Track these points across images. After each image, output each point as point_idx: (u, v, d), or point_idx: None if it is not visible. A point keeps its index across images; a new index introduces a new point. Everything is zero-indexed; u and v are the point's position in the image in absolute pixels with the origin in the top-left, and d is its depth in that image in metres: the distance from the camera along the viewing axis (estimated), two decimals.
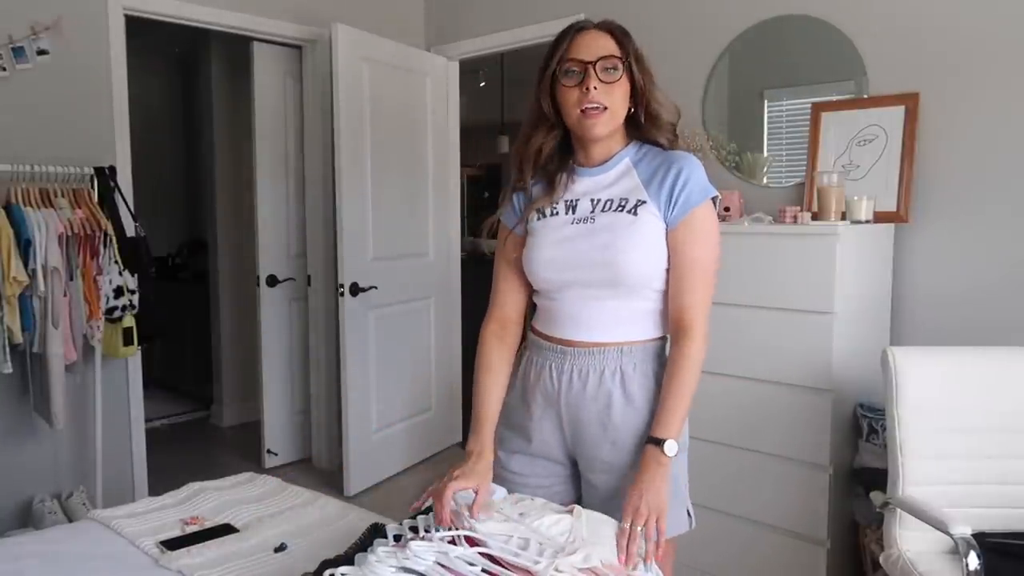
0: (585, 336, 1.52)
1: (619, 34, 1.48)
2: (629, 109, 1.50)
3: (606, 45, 1.45)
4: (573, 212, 1.52)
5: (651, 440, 1.43)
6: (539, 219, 1.56)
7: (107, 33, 3.07)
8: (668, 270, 1.49)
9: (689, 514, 1.56)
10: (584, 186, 1.54)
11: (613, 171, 1.53)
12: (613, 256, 1.45)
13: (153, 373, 3.81)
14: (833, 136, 2.72)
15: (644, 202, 1.46)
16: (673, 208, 1.45)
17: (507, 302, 1.67)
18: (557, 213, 1.54)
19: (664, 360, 1.52)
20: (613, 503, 1.47)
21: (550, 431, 1.58)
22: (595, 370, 1.51)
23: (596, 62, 1.44)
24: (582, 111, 1.45)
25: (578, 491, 1.63)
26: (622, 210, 1.48)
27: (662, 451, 1.41)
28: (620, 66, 1.45)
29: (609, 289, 1.48)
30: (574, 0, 3.47)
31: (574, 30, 1.48)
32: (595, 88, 1.43)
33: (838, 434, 2.39)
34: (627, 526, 1.34)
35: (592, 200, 1.52)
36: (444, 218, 4.20)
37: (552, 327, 1.57)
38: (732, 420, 2.54)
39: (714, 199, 1.49)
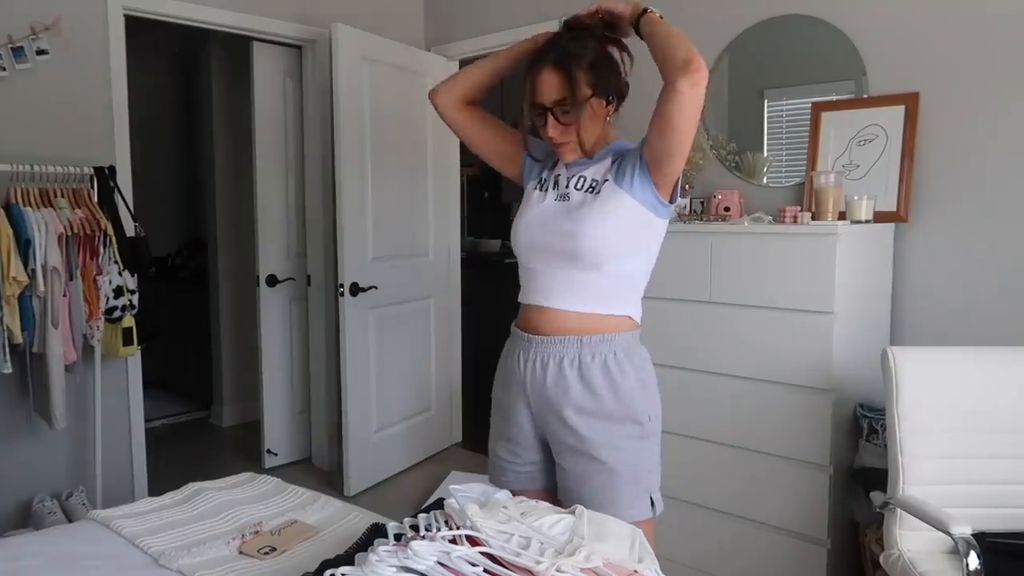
0: (549, 303, 1.63)
1: (568, 70, 1.53)
2: (607, 115, 1.61)
3: (559, 86, 1.54)
4: (556, 188, 1.68)
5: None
6: (535, 189, 1.73)
7: (107, 33, 3.07)
8: (635, 241, 1.61)
9: (653, 502, 1.64)
10: (574, 170, 1.68)
11: (598, 164, 1.65)
12: (574, 228, 1.58)
13: (153, 373, 3.80)
14: (833, 136, 2.72)
15: (607, 180, 1.60)
16: (633, 166, 1.57)
17: (470, 104, 1.84)
18: (546, 189, 1.70)
19: (623, 352, 1.62)
20: (584, 487, 1.59)
21: (523, 416, 1.70)
22: (555, 358, 1.62)
23: (552, 107, 1.57)
24: (551, 144, 1.63)
25: (554, 479, 1.71)
26: (592, 191, 1.62)
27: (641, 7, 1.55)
28: (580, 101, 1.54)
29: (570, 259, 1.60)
30: (575, 0, 3.47)
31: (533, 70, 1.58)
32: (553, 134, 1.59)
33: (838, 434, 2.39)
34: None
35: (573, 179, 1.66)
36: (444, 218, 4.20)
37: (525, 295, 1.70)
38: (732, 420, 2.54)
39: None
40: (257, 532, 1.77)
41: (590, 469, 1.60)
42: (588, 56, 1.55)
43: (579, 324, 1.61)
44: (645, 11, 1.55)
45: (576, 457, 1.62)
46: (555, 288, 1.63)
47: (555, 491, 1.70)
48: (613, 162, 1.62)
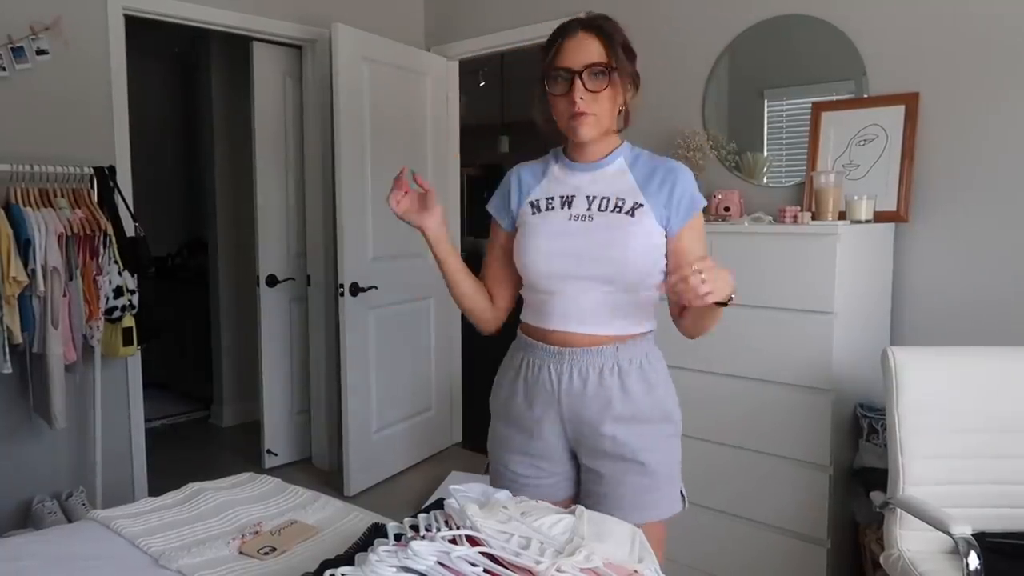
0: (578, 328, 1.56)
1: (607, 35, 1.50)
2: (620, 109, 1.55)
3: (594, 51, 1.48)
4: (569, 207, 1.57)
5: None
6: (533, 212, 1.61)
7: (107, 33, 3.07)
8: (665, 268, 1.55)
9: (682, 495, 1.63)
10: (578, 181, 1.59)
11: (607, 169, 1.59)
12: (614, 254, 1.51)
13: (153, 373, 3.80)
14: (833, 136, 2.72)
15: (641, 205, 1.53)
16: (673, 216, 1.54)
17: (494, 295, 1.73)
18: (552, 208, 1.59)
19: (652, 352, 1.60)
20: (623, 490, 1.55)
21: (551, 430, 1.62)
22: (594, 368, 1.56)
23: (582, 71, 1.48)
24: (570, 116, 1.51)
25: (577, 490, 1.67)
26: (620, 211, 1.53)
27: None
28: (607, 72, 1.49)
29: (607, 284, 1.53)
30: (574, 0, 3.47)
31: (562, 35, 1.51)
32: (581, 99, 1.48)
33: (838, 434, 2.39)
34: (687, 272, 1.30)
35: (588, 197, 1.57)
36: None
37: (546, 321, 1.59)
38: (732, 420, 2.54)
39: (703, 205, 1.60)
40: (257, 532, 1.77)
41: (630, 472, 1.56)
42: (619, 36, 1.53)
43: (614, 336, 1.57)
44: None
45: (615, 463, 1.57)
46: (584, 311, 1.55)
47: (573, 501, 1.65)
48: (638, 180, 1.55)
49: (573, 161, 1.61)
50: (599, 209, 1.54)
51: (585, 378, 1.56)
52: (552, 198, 1.59)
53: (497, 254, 1.73)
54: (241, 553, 1.67)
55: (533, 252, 1.57)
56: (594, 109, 1.50)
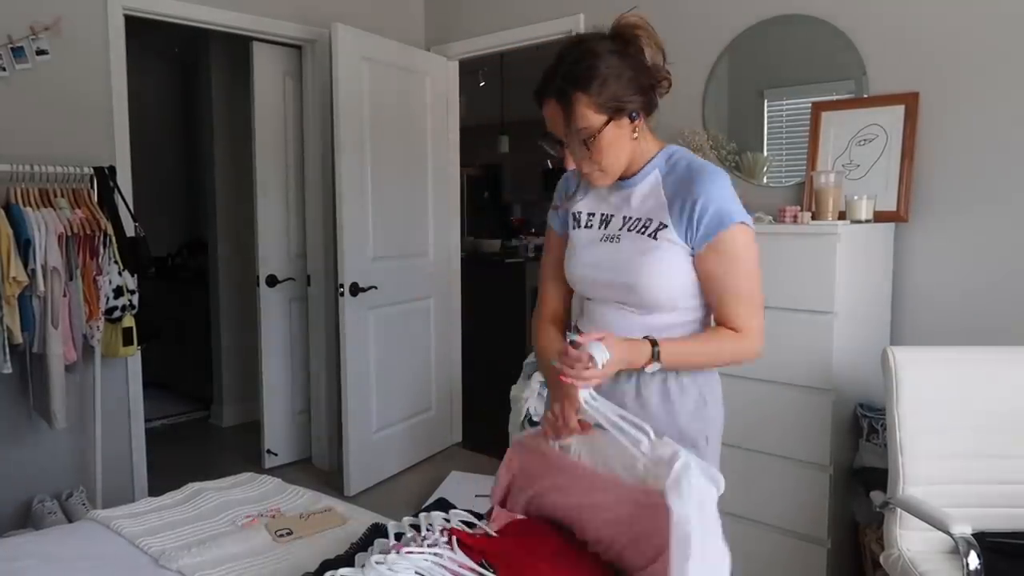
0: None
1: (570, 98, 1.37)
2: (633, 131, 1.44)
3: (563, 119, 1.40)
4: (605, 227, 1.53)
5: (649, 339, 1.41)
6: (575, 227, 1.59)
7: (107, 33, 3.07)
8: (699, 286, 1.47)
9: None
10: (616, 198, 1.54)
11: (642, 185, 1.50)
12: (635, 280, 1.46)
13: (153, 373, 3.81)
14: (833, 136, 2.72)
15: (665, 226, 1.44)
16: (695, 235, 1.42)
17: (553, 298, 1.70)
18: (591, 226, 1.56)
19: (699, 379, 1.53)
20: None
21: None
22: (630, 379, 1.50)
23: (565, 142, 1.44)
24: (579, 170, 1.48)
25: None
26: (644, 232, 1.47)
27: (650, 353, 1.39)
28: (592, 130, 1.39)
29: (629, 305, 1.49)
30: (574, 0, 3.48)
31: (539, 100, 1.45)
32: (575, 166, 1.46)
33: (838, 434, 2.39)
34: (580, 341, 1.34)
35: (624, 218, 1.51)
36: (444, 218, 4.20)
37: (588, 329, 1.56)
38: (732, 420, 2.51)
39: (744, 222, 1.42)
40: (274, 517, 1.77)
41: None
42: (597, 77, 1.37)
43: None
44: (654, 352, 1.39)
45: None
46: (611, 325, 1.50)
47: None
48: (667, 197, 1.46)
49: None
50: (628, 230, 1.49)
51: (623, 394, 1.50)
52: (593, 215, 1.56)
53: (552, 254, 1.69)
54: (247, 528, 1.66)
55: (570, 264, 1.57)
56: (597, 163, 1.44)
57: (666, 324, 1.48)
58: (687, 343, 1.46)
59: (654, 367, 1.41)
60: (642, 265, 1.44)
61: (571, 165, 1.48)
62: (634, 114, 1.42)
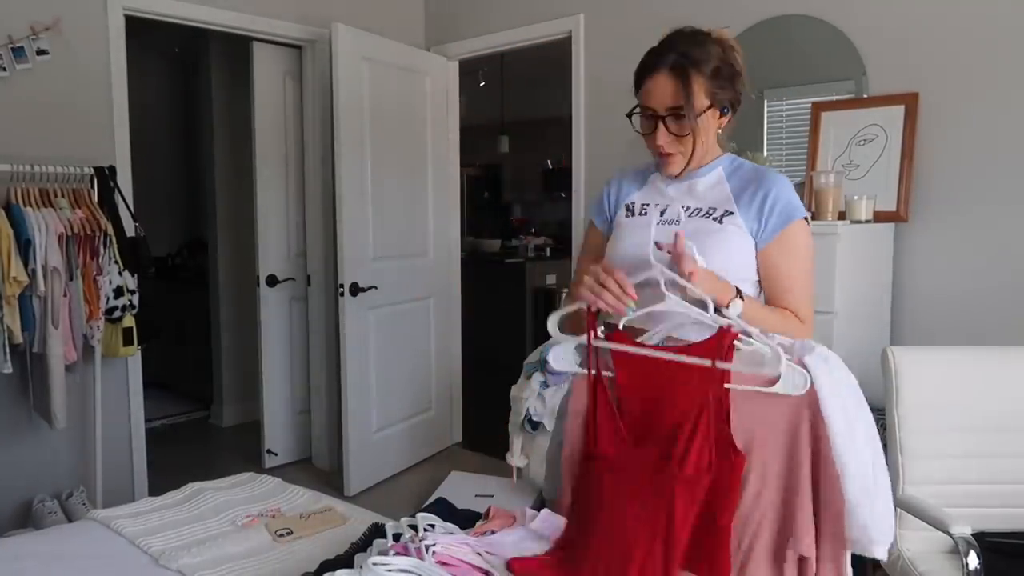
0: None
1: (688, 72, 1.42)
2: (719, 127, 1.49)
3: (673, 92, 1.43)
4: (662, 215, 1.53)
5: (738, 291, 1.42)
6: (627, 216, 1.59)
7: (107, 33, 3.07)
8: (758, 281, 1.50)
9: None
10: (675, 192, 1.56)
11: (706, 178, 1.54)
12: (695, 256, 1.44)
13: (153, 373, 3.81)
14: (833, 136, 2.72)
15: (732, 213, 1.48)
16: (764, 227, 1.47)
17: None
18: (646, 213, 1.56)
19: None
20: None
21: None
22: None
23: (665, 116, 1.44)
24: (657, 153, 1.50)
25: None
26: (709, 217, 1.49)
27: (734, 292, 1.39)
28: (698, 111, 1.44)
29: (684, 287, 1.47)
30: (574, 0, 3.48)
31: (648, 71, 1.46)
32: (663, 142, 1.46)
33: None
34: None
35: (683, 207, 1.52)
36: (444, 218, 4.20)
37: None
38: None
39: (805, 218, 1.50)
40: (274, 516, 1.77)
41: None
42: (711, 61, 1.44)
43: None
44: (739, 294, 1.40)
45: None
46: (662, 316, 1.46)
47: None
48: (732, 190, 1.50)
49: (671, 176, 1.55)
50: (689, 216, 1.50)
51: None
52: (647, 204, 1.57)
53: (593, 254, 1.68)
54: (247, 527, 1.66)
55: (620, 244, 1.55)
56: (680, 148, 1.47)
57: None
58: (763, 307, 1.48)
59: (736, 307, 1.39)
60: (704, 244, 1.43)
61: (662, 140, 1.46)
62: (726, 109, 1.49)
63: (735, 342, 1.32)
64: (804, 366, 1.32)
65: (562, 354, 1.50)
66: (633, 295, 1.36)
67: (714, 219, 1.48)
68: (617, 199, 1.65)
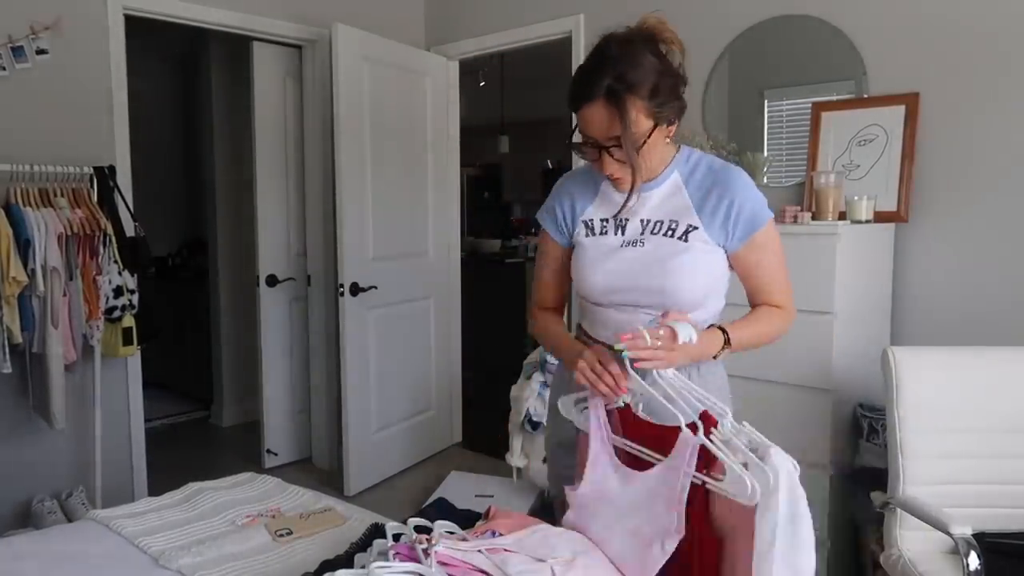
0: None
1: (624, 100, 1.33)
2: (667, 136, 1.44)
3: (611, 123, 1.35)
4: (622, 233, 1.51)
5: (721, 328, 1.44)
6: (587, 235, 1.55)
7: (107, 33, 3.07)
8: (725, 283, 1.53)
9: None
10: (635, 207, 1.50)
11: (662, 187, 1.50)
12: (662, 284, 1.44)
13: (153, 373, 3.81)
14: (833, 136, 2.72)
15: (696, 228, 1.45)
16: (731, 237, 1.47)
17: (549, 298, 1.71)
18: (606, 232, 1.53)
19: (713, 373, 1.56)
20: None
21: None
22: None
23: (608, 146, 1.38)
24: (608, 177, 1.45)
25: None
26: (672, 235, 1.46)
27: (723, 339, 1.42)
28: (641, 135, 1.37)
29: (659, 308, 1.46)
30: (574, 0, 3.48)
31: (579, 102, 1.37)
32: (611, 170, 1.42)
33: (838, 434, 2.39)
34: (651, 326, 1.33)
35: (642, 221, 1.49)
36: (444, 218, 4.20)
37: (599, 330, 1.56)
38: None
39: (771, 215, 1.51)
40: (274, 516, 1.77)
41: None
42: (647, 80, 1.34)
43: None
44: (726, 342, 1.42)
45: None
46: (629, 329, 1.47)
47: None
48: (692, 199, 1.46)
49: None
50: (651, 232, 1.47)
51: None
52: (607, 220, 1.53)
53: (552, 266, 1.66)
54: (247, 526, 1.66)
55: (586, 279, 1.52)
56: (627, 173, 1.41)
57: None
58: (748, 326, 1.50)
59: (724, 355, 1.43)
60: (673, 268, 1.44)
61: (610, 170, 1.41)
62: (671, 119, 1.42)
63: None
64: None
65: (570, 404, 1.52)
66: (624, 390, 1.36)
67: (679, 237, 1.45)
68: (573, 215, 1.59)
